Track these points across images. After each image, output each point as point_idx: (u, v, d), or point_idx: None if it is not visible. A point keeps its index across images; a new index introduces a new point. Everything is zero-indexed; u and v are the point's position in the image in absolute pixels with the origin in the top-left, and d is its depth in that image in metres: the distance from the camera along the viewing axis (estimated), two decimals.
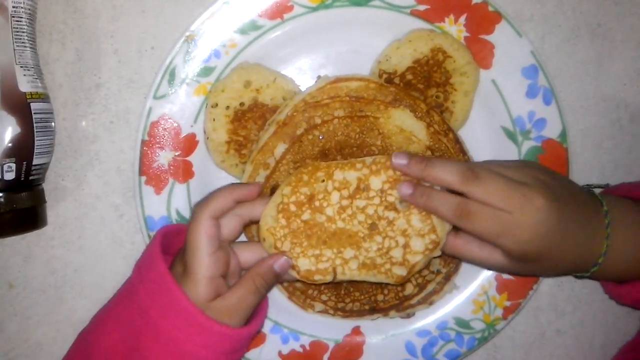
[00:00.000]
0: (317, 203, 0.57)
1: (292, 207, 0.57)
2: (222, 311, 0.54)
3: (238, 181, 0.63)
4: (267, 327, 0.64)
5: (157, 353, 0.53)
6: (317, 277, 0.58)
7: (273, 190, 0.62)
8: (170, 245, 0.58)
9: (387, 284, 0.60)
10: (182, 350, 0.53)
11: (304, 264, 0.57)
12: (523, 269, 0.57)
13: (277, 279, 0.57)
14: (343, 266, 0.58)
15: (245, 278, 0.55)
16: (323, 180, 0.57)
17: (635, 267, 0.58)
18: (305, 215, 0.57)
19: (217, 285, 0.54)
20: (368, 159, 0.57)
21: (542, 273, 0.63)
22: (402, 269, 0.58)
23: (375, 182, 0.57)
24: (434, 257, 0.62)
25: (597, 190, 0.63)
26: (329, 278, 0.58)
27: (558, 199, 0.54)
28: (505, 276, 0.65)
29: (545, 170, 0.57)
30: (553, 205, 0.53)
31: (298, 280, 0.59)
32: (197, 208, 0.55)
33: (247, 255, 0.58)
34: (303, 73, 0.64)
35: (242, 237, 0.62)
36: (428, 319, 0.66)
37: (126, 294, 0.57)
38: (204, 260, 0.54)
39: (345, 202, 0.57)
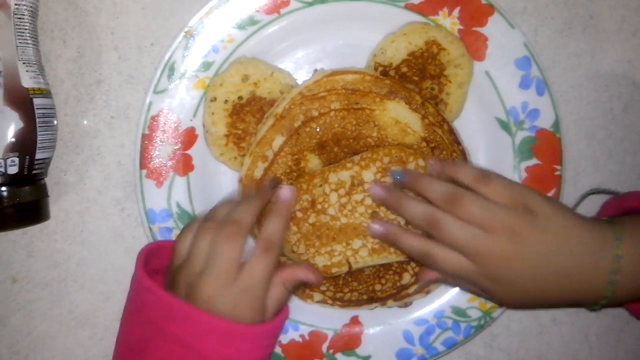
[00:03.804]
0: (319, 206, 0.62)
1: (299, 214, 0.62)
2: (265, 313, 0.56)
3: (236, 174, 0.64)
4: None
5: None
6: (335, 270, 0.63)
7: (272, 183, 0.63)
8: (152, 263, 0.59)
9: (400, 262, 0.65)
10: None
11: (320, 260, 0.62)
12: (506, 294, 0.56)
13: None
14: (355, 256, 0.62)
15: (278, 283, 0.57)
16: (320, 185, 0.61)
17: None
18: (312, 219, 0.62)
19: None
20: (356, 157, 0.62)
21: (531, 307, 0.61)
22: None
23: (368, 175, 0.61)
24: None
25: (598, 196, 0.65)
26: (344, 269, 0.63)
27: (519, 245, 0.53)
28: None
29: (525, 211, 0.54)
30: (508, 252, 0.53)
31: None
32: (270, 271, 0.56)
33: None
34: (300, 67, 0.65)
35: None
36: (425, 308, 0.67)
37: (135, 326, 0.57)
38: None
39: (344, 200, 0.61)
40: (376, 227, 0.59)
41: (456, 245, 0.55)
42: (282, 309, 0.58)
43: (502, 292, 0.56)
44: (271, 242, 0.56)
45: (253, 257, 0.55)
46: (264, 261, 0.55)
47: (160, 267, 0.59)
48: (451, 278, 0.58)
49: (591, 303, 0.55)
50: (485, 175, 0.56)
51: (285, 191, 0.59)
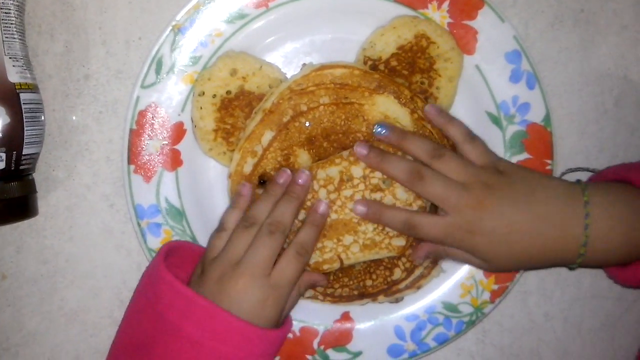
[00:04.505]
0: (308, 203, 0.61)
1: None
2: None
3: (225, 169, 0.64)
4: None
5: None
6: (326, 267, 0.62)
7: (261, 178, 0.63)
8: (169, 260, 0.59)
9: (391, 258, 0.64)
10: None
11: (312, 257, 0.62)
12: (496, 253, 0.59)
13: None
14: (346, 252, 0.62)
15: (295, 287, 0.60)
16: None
17: (633, 250, 0.57)
18: (301, 216, 0.61)
19: None
20: (345, 153, 0.61)
21: (517, 265, 0.62)
22: (400, 239, 0.62)
23: (357, 171, 0.61)
24: None
25: (582, 175, 0.65)
26: (336, 265, 0.62)
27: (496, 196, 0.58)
28: None
29: (495, 171, 0.59)
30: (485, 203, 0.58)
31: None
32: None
33: None
34: (289, 61, 0.64)
35: None
36: (416, 303, 0.66)
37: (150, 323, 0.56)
38: None
39: (333, 196, 0.61)
40: (359, 207, 0.61)
41: (436, 197, 0.59)
42: (285, 321, 0.60)
43: (482, 245, 0.58)
44: (304, 249, 0.59)
45: (284, 258, 0.58)
46: (294, 264, 0.58)
47: (176, 265, 0.59)
48: (435, 241, 0.61)
49: (570, 254, 0.58)
50: (472, 137, 0.61)
51: (323, 205, 0.61)
